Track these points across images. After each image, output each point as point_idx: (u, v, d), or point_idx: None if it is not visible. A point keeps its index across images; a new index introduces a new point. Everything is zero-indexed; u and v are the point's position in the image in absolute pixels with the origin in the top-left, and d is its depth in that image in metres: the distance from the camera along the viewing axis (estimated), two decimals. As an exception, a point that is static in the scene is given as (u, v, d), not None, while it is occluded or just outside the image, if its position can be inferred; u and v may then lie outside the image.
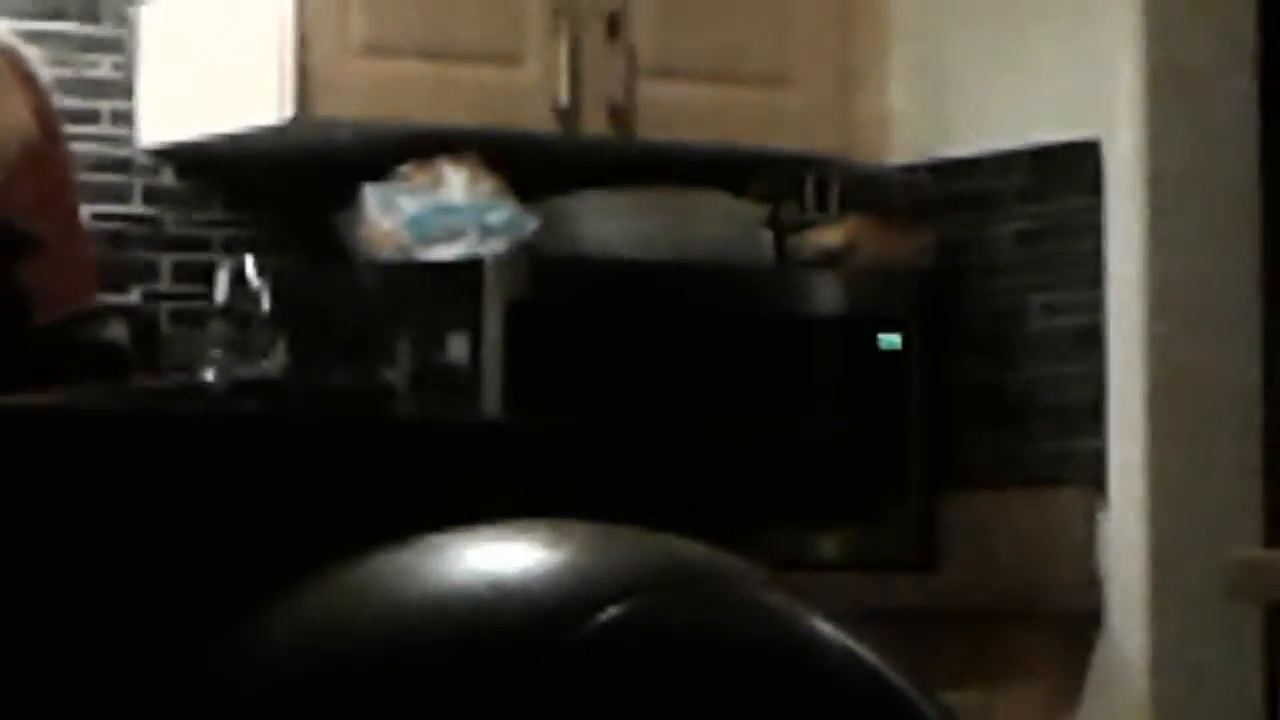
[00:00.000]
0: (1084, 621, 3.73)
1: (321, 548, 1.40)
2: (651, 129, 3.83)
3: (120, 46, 3.85)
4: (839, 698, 1.34)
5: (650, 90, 3.79)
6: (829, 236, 3.92)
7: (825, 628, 1.35)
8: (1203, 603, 3.59)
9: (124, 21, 3.88)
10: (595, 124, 3.79)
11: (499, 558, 1.35)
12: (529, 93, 3.77)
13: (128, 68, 3.82)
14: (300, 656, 1.34)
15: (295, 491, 1.56)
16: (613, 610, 1.28)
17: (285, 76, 3.62)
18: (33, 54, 2.92)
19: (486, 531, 1.38)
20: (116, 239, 3.67)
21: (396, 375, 3.61)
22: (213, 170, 3.89)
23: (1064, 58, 3.88)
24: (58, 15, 3.82)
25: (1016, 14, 3.95)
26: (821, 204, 3.98)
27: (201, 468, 1.54)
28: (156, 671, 1.39)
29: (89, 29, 3.79)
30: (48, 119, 2.75)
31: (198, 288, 3.61)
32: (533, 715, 1.26)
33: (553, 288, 3.74)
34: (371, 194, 3.64)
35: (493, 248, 3.64)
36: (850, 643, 1.35)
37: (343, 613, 1.36)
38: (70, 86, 3.68)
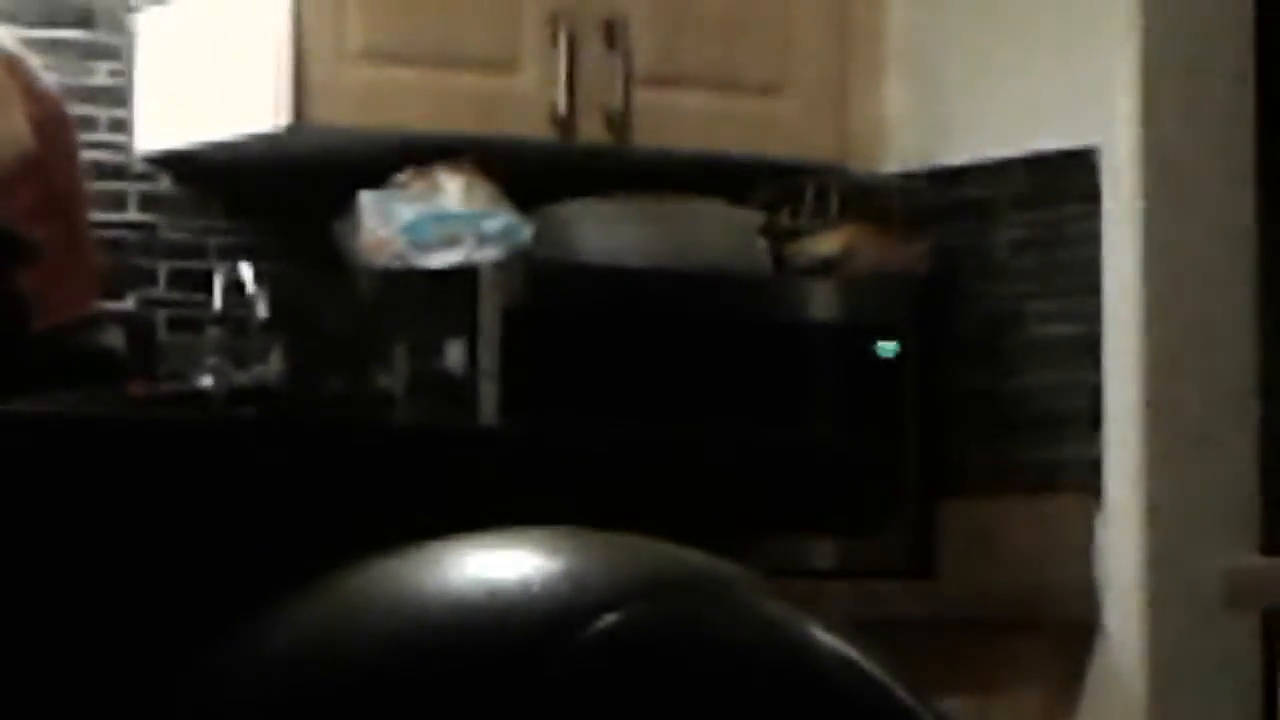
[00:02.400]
0: (1081, 629, 3.73)
1: (317, 556, 1.32)
2: (648, 137, 3.80)
3: (117, 54, 3.83)
4: (836, 706, 1.25)
5: (647, 98, 3.78)
6: (825, 244, 3.90)
7: (823, 636, 1.28)
8: (1200, 610, 3.58)
9: (121, 29, 3.87)
10: (592, 132, 3.78)
11: (495, 565, 1.27)
12: (526, 100, 3.76)
13: (125, 75, 3.81)
14: (297, 665, 1.26)
15: (291, 499, 1.47)
16: (609, 618, 1.21)
17: (282, 84, 3.61)
18: (36, 63, 2.94)
19: (483, 539, 1.29)
20: (113, 246, 3.62)
21: (393, 382, 3.60)
22: (210, 177, 3.88)
23: (1060, 66, 3.87)
24: (55, 22, 3.79)
25: (1013, 23, 3.93)
26: (818, 212, 3.97)
27: (197, 476, 1.43)
28: (152, 680, 1.33)
29: (86, 36, 3.79)
30: (50, 129, 2.77)
31: (195, 295, 3.71)
32: None
33: (549, 295, 3.74)
34: (368, 201, 3.64)
35: (489, 255, 3.62)
36: (848, 651, 1.27)
37: (339, 622, 1.28)
38: (67, 93, 3.47)
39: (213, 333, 3.66)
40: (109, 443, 1.41)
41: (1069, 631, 3.77)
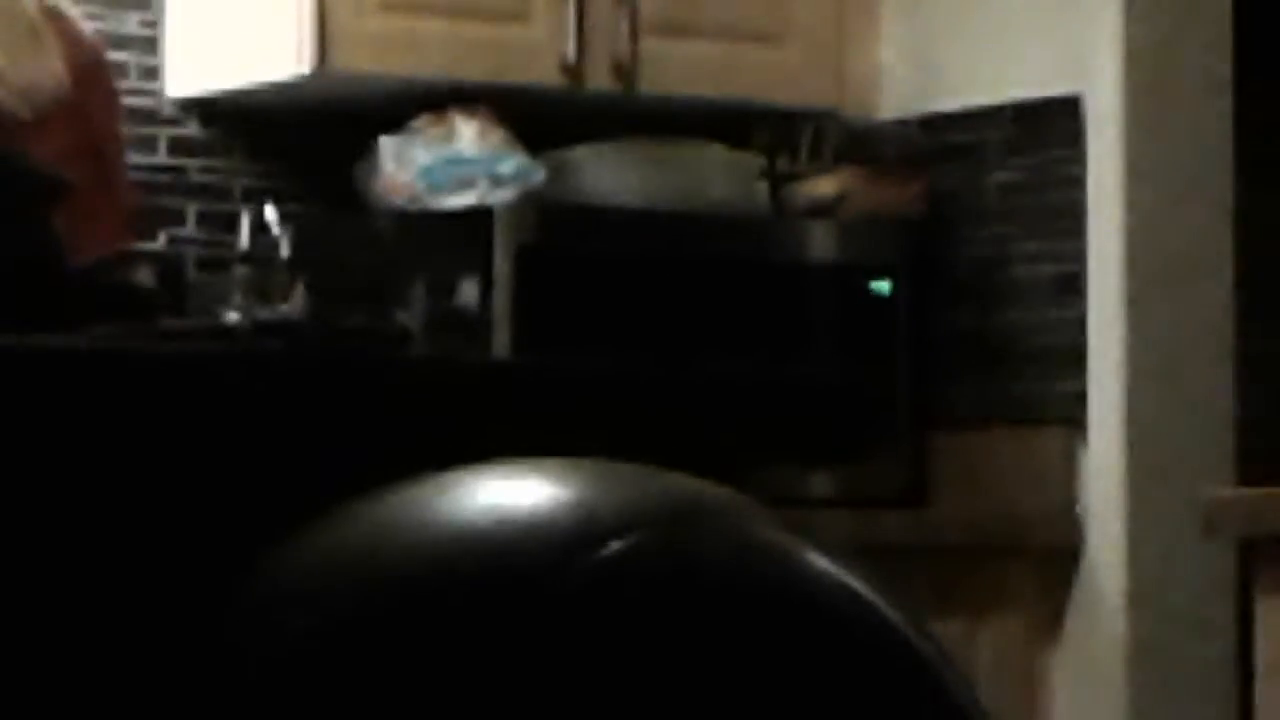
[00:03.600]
0: (1065, 555, 3.81)
1: (341, 484, 1.40)
2: (653, 84, 3.90)
3: (148, 4, 3.88)
4: (832, 628, 1.35)
5: (653, 47, 3.86)
6: (822, 187, 3.96)
7: (819, 561, 1.36)
8: (1178, 538, 3.70)
9: None
10: (600, 79, 3.86)
11: (509, 494, 1.36)
12: (537, 49, 3.83)
13: (154, 23, 3.86)
14: (321, 592, 1.35)
15: (314, 429, 1.57)
16: (617, 544, 1.29)
17: (305, 32, 3.67)
18: (74, 11, 3.01)
19: (497, 469, 1.39)
20: (144, 187, 3.60)
21: (410, 318, 3.66)
22: (235, 121, 3.94)
23: (1047, 16, 3.95)
24: None
25: None
26: (815, 156, 4.02)
27: (224, 406, 1.55)
28: (182, 607, 1.41)
29: None
30: (87, 74, 2.84)
31: (221, 235, 3.72)
32: (540, 645, 1.27)
33: (559, 235, 3.79)
34: (386, 145, 3.70)
35: (502, 197, 3.71)
36: (843, 575, 1.36)
37: (362, 548, 1.37)
38: (102, 40, 3.57)
39: (239, 271, 3.43)
40: (144, 374, 1.51)
41: (1053, 557, 3.84)
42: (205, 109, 3.92)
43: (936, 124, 4.06)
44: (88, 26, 3.11)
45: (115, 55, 3.60)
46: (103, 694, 1.43)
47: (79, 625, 1.45)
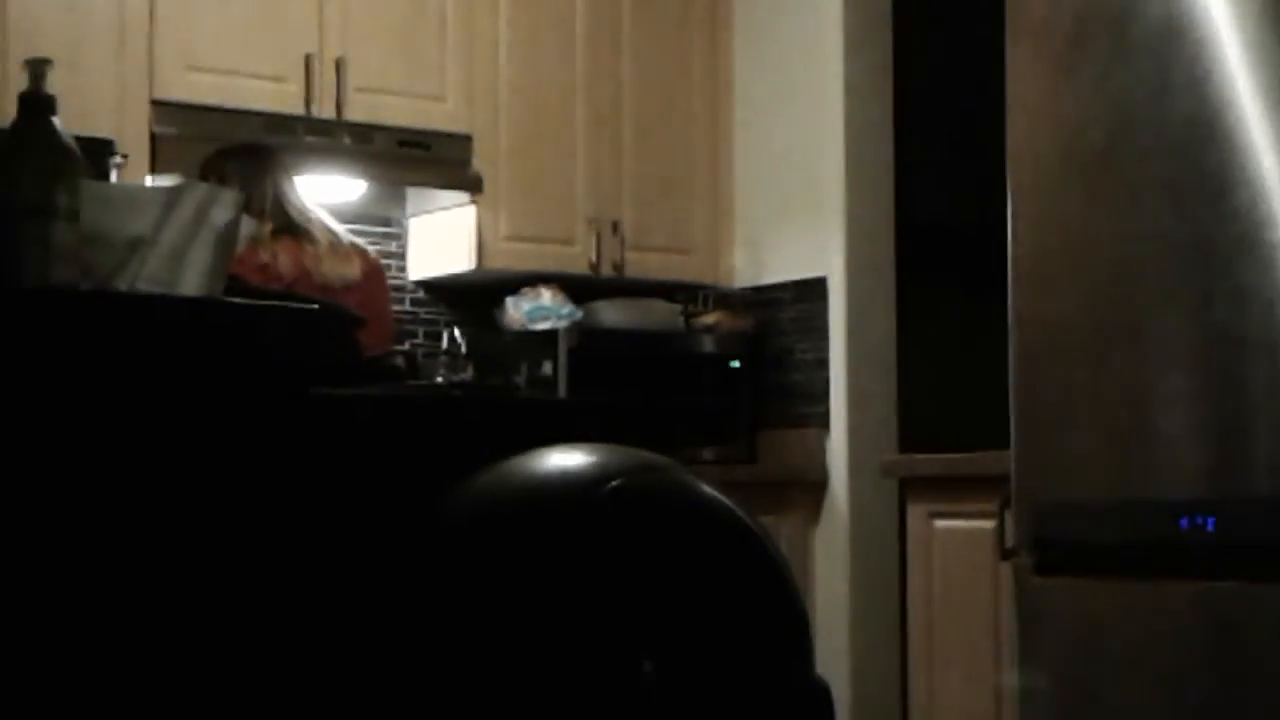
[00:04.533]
0: (819, 486, 5.38)
1: (495, 453, 1.83)
2: (633, 271, 5.58)
3: (402, 239, 5.39)
4: (716, 520, 1.80)
5: (632, 256, 5.58)
6: (708, 319, 5.63)
7: (709, 489, 1.83)
8: (870, 477, 5.24)
9: (401, 226, 5.42)
10: (606, 270, 5.55)
11: (566, 458, 1.79)
12: (578, 256, 5.51)
13: (405, 248, 5.46)
14: (484, 498, 1.78)
15: (484, 429, 2.03)
16: (614, 483, 1.72)
17: (471, 248, 5.29)
18: (363, 242, 4.11)
19: (561, 448, 1.82)
20: (397, 321, 5.00)
21: (520, 381, 5.22)
22: (441, 289, 5.55)
23: (803, 233, 5.51)
24: (366, 219, 5.24)
25: (783, 216, 5.54)
26: (706, 304, 5.68)
27: (445, 421, 2.01)
28: (428, 510, 1.78)
29: (382, 229, 5.39)
30: (372, 271, 3.93)
31: (434, 343, 5.34)
32: (574, 541, 1.68)
33: (588, 342, 5.29)
34: (510, 301, 5.35)
35: (561, 325, 5.28)
36: (719, 495, 1.83)
37: (502, 479, 1.79)
38: (381, 254, 4.68)
39: (442, 359, 5.09)
40: (407, 411, 2.02)
41: (814, 487, 5.37)
42: (428, 285, 5.56)
43: (760, 290, 5.67)
44: (373, 249, 4.23)
45: (386, 260, 4.93)
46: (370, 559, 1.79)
47: (387, 526, 1.84)
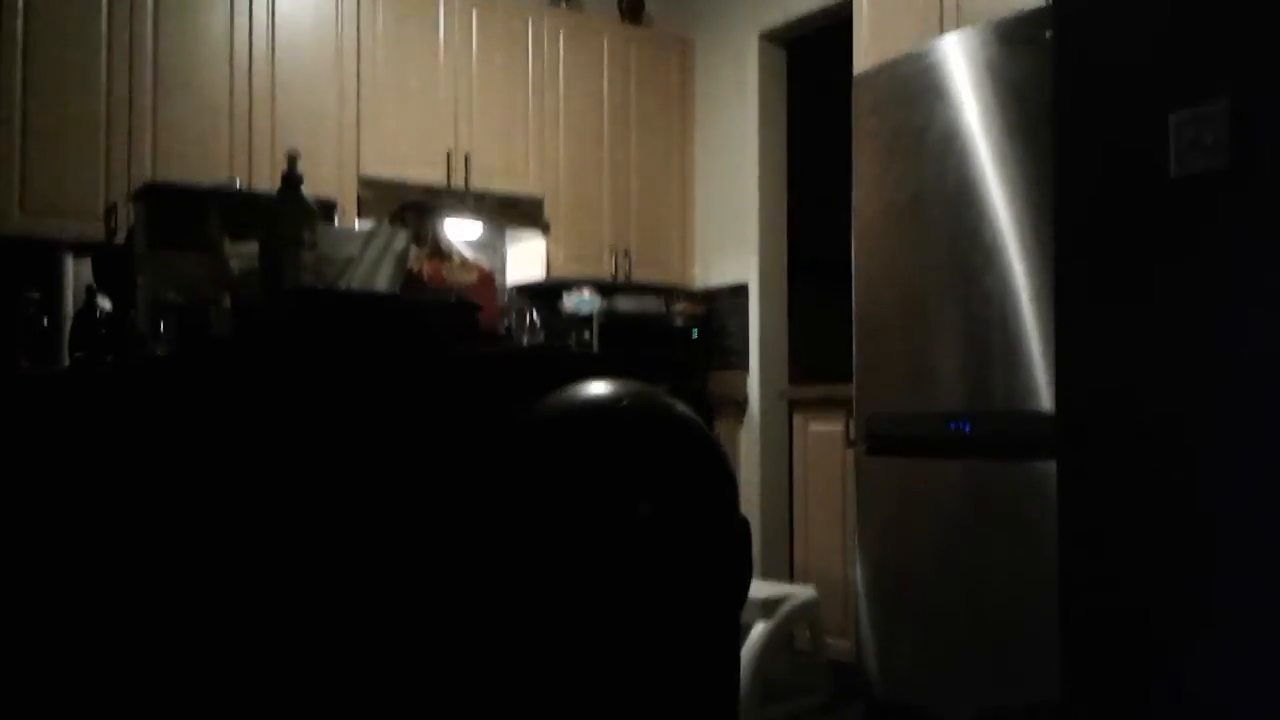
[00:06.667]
0: (743, 405, 7.28)
1: (555, 383, 2.25)
2: (638, 278, 7.40)
3: (501, 254, 7.40)
4: (685, 424, 2.25)
5: (636, 269, 7.37)
6: (680, 306, 7.53)
7: (680, 405, 2.29)
8: (772, 400, 7.17)
9: (497, 252, 7.38)
10: (622, 277, 7.40)
11: (595, 387, 2.23)
12: (605, 268, 7.35)
13: (504, 261, 7.33)
14: (549, 412, 2.13)
15: (545, 369, 2.42)
16: (626, 400, 2.15)
17: (543, 266, 6.94)
18: (481, 258, 5.52)
19: (594, 383, 2.24)
20: (502, 309, 5.74)
21: (571, 343, 6.87)
22: (526, 289, 7.22)
23: (734, 254, 7.04)
24: (478, 247, 7.24)
25: (724, 245, 7.15)
26: (678, 298, 7.57)
27: (528, 366, 2.36)
28: (505, 424, 2.03)
29: (486, 251, 7.20)
30: (483, 278, 4.18)
31: (522, 323, 4.85)
32: (603, 434, 2.02)
33: (611, 322, 7.15)
34: (565, 296, 7.28)
35: (595, 310, 7.21)
36: (686, 409, 2.26)
37: (558, 401, 2.20)
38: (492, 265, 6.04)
39: (526, 331, 4.80)
40: (518, 364, 2.39)
41: (741, 407, 7.28)
42: (518, 287, 7.37)
43: (710, 290, 7.45)
44: (485, 264, 4.62)
45: (494, 271, 5.84)
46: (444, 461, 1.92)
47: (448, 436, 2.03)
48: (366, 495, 2.29)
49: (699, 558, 2.35)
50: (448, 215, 6.45)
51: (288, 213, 2.81)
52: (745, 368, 7.45)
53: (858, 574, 4.59)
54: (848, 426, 5.12)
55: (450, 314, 2.66)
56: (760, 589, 5.05)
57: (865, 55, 5.29)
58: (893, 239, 4.48)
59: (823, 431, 5.61)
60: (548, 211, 7.10)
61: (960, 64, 4.22)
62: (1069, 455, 3.41)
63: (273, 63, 6.23)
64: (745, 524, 2.47)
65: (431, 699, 2.33)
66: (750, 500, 7.07)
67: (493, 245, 7.28)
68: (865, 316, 4.63)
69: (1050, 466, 3.98)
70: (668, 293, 7.81)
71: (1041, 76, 4.02)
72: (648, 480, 2.32)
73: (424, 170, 6.68)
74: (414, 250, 3.24)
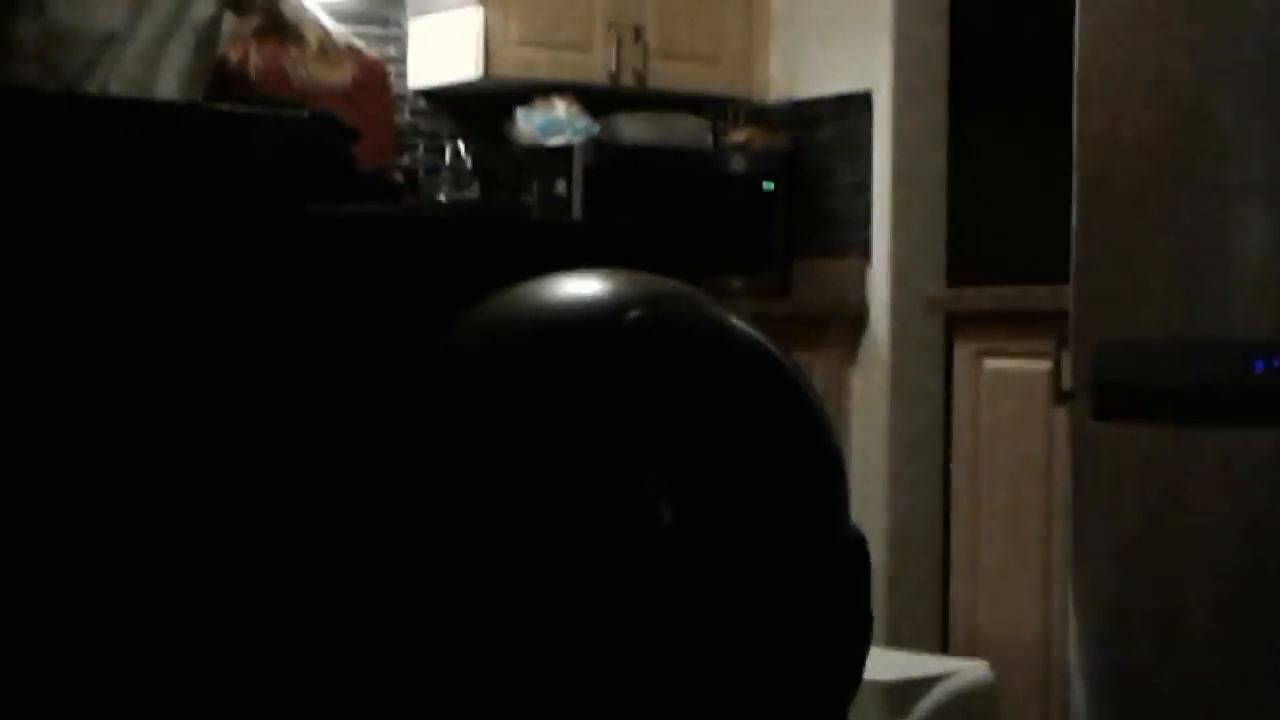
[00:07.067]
0: (859, 321, 5.56)
1: (502, 277, 1.80)
2: (656, 83, 5.67)
3: (401, 40, 5.39)
4: (744, 356, 1.76)
5: (656, 64, 5.68)
6: (739, 136, 5.81)
7: (737, 321, 1.78)
8: (911, 314, 5.43)
9: (401, 26, 5.42)
10: (629, 80, 5.62)
11: (575, 287, 1.77)
12: (597, 65, 5.59)
13: (405, 53, 5.52)
14: (491, 326, 1.74)
15: (480, 249, 2.00)
16: (633, 313, 1.71)
17: (479, 53, 5.36)
18: (358, 42, 3.77)
19: (578, 274, 1.79)
20: (399, 133, 5.18)
21: (531, 200, 5.35)
22: (445, 100, 5.62)
23: (848, 43, 5.71)
24: (366, 19, 5.28)
25: (834, 26, 5.66)
26: (736, 120, 5.84)
27: (446, 244, 2.01)
28: (407, 357, 1.79)
29: (382, 31, 5.42)
30: (367, 78, 3.64)
31: (437, 159, 5.36)
32: (587, 378, 1.69)
33: (605, 159, 5.44)
34: (520, 112, 5.45)
35: (576, 140, 5.37)
36: (748, 328, 1.79)
37: (502, 314, 1.76)
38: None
39: (445, 175, 5.21)
40: (398, 229, 2.00)
41: (855, 324, 5.57)
42: (429, 94, 5.64)
43: (797, 105, 5.87)
44: (376, 52, 4.07)
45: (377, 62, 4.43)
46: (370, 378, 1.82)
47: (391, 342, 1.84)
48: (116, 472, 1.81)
49: (767, 606, 1.72)
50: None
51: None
52: (863, 253, 5.54)
53: (1072, 637, 3.60)
54: (1058, 365, 3.78)
55: (299, 143, 2.06)
56: (888, 663, 3.77)
57: None
58: (1152, 30, 3.48)
59: (1010, 372, 4.14)
60: (489, -50, 5.33)
61: None
62: None
63: None
64: (859, 542, 1.90)
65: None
66: (870, 496, 5.31)
67: (383, 15, 5.53)
68: (1096, 159, 3.60)
69: None
70: (718, 110, 5.90)
71: None
72: (671, 464, 1.66)
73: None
74: (230, 21, 2.75)
